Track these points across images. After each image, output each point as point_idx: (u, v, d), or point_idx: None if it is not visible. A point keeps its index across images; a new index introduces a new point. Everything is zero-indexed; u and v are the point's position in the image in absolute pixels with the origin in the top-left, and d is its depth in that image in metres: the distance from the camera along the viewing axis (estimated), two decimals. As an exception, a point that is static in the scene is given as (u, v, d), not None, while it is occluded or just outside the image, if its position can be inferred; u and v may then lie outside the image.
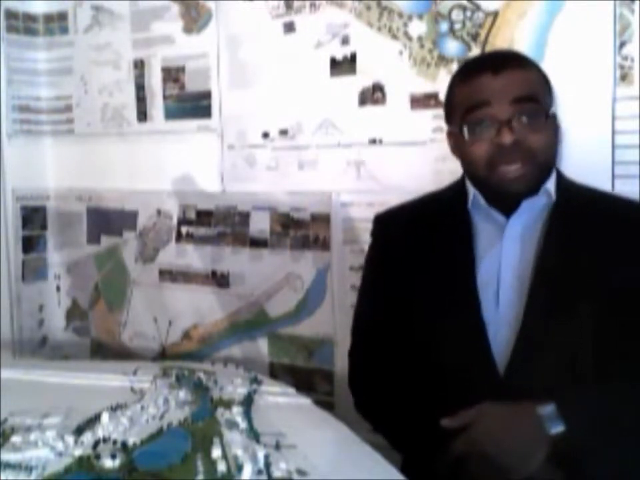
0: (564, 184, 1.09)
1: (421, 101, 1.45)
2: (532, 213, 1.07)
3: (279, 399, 1.25)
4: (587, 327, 0.99)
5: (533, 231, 1.07)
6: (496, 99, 1.01)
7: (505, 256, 1.07)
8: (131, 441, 1.02)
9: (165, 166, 1.81)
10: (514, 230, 1.07)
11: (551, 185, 1.07)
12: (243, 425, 1.09)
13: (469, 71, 1.08)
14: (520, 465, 0.92)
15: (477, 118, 1.03)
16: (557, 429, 0.93)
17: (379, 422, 1.14)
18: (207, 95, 1.72)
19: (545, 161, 1.04)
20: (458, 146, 1.10)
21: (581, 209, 1.06)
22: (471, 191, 1.11)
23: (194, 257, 1.80)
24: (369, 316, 1.21)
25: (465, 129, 1.04)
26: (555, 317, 1.01)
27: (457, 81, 1.10)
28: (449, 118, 1.13)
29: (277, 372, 1.69)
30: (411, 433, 1.06)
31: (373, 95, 1.50)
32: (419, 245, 1.14)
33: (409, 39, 1.45)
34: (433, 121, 1.44)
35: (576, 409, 0.95)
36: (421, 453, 1.04)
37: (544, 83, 1.07)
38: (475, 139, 1.04)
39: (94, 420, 1.10)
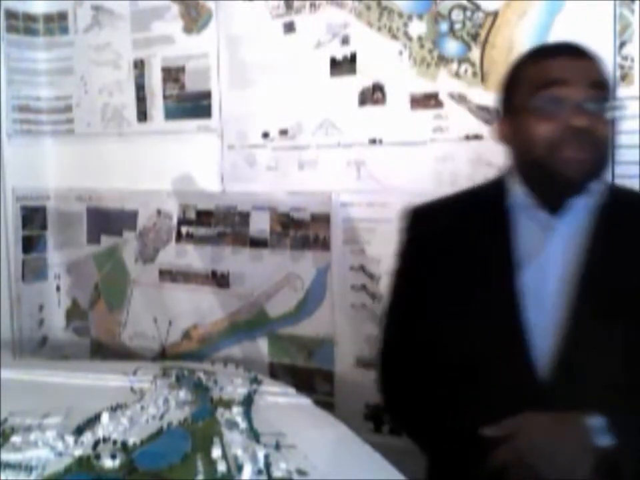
0: (612, 186, 1.05)
1: (420, 101, 1.45)
2: (580, 213, 1.01)
3: (279, 399, 1.25)
4: (635, 335, 0.95)
5: (580, 233, 1.01)
6: (574, 79, 0.95)
7: (550, 258, 1.01)
8: (131, 440, 1.02)
9: (165, 166, 1.81)
10: (562, 231, 1.01)
11: (599, 185, 1.01)
12: (243, 425, 1.09)
13: (543, 53, 1.02)
14: (565, 478, 0.88)
15: (551, 95, 0.95)
16: (606, 441, 0.88)
17: (412, 426, 1.10)
18: (207, 95, 1.72)
19: (606, 154, 0.99)
20: (515, 129, 1.02)
21: (631, 211, 1.02)
22: (515, 188, 1.05)
23: (194, 257, 1.80)
24: (403, 315, 1.13)
25: (536, 108, 0.96)
26: (602, 323, 0.96)
27: (526, 61, 1.03)
28: (507, 100, 1.06)
29: (277, 372, 1.69)
30: (447, 440, 1.01)
31: (373, 95, 1.50)
32: (457, 243, 1.07)
33: (409, 39, 1.45)
34: (433, 120, 1.44)
35: (626, 422, 0.90)
36: (458, 460, 0.99)
37: (609, 80, 1.01)
38: (543, 118, 0.96)
39: (94, 420, 1.10)
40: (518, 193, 1.04)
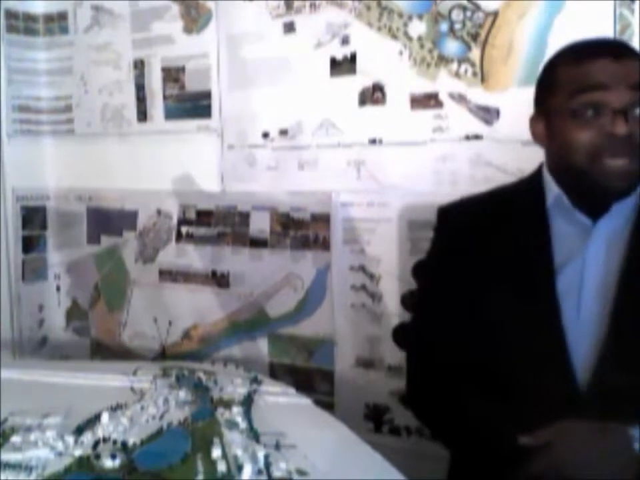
0: None
1: (420, 101, 1.45)
2: (621, 217, 0.97)
3: (279, 399, 1.25)
4: None
5: (620, 237, 0.97)
6: (614, 83, 0.91)
7: (589, 262, 0.97)
8: (131, 441, 1.02)
9: (165, 166, 1.81)
10: (601, 234, 0.97)
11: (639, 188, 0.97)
12: (243, 425, 1.09)
13: (582, 51, 0.96)
14: None
15: (590, 100, 0.92)
16: None
17: (445, 429, 1.07)
18: (206, 95, 1.72)
19: None
20: (552, 132, 0.98)
21: None
22: (552, 188, 1.01)
23: (194, 257, 1.80)
24: (437, 319, 1.08)
25: (574, 110, 0.93)
26: None
27: (565, 60, 0.98)
28: (543, 100, 1.02)
29: (277, 372, 1.69)
30: (482, 447, 0.97)
31: (373, 94, 1.50)
32: (492, 244, 1.03)
33: (409, 39, 1.45)
34: (433, 120, 1.44)
35: None
36: (492, 467, 0.95)
37: None
38: (581, 123, 0.92)
39: (94, 420, 1.10)
40: (555, 193, 1.00)
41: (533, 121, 1.03)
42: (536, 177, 1.05)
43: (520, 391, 0.96)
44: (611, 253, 0.97)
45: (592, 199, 0.97)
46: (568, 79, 0.95)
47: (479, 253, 1.03)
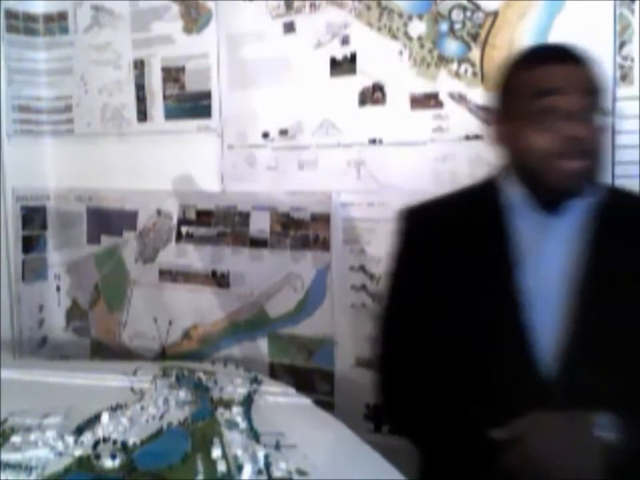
0: (605, 185, 1.05)
1: (420, 101, 1.45)
2: (576, 214, 1.02)
3: (279, 399, 1.25)
4: (637, 332, 0.95)
5: (577, 233, 1.01)
6: (569, 88, 0.95)
7: (549, 258, 1.01)
8: (131, 441, 1.02)
9: (164, 166, 1.81)
10: (559, 231, 1.02)
11: (596, 186, 1.01)
12: (243, 425, 1.09)
13: (536, 58, 1.01)
14: (576, 477, 0.88)
15: (547, 106, 0.95)
16: (614, 438, 0.89)
17: (415, 428, 1.08)
18: (207, 95, 1.72)
19: (602, 160, 1.00)
20: (510, 135, 1.02)
21: (625, 210, 1.03)
22: (511, 188, 1.05)
23: (194, 257, 1.80)
24: (403, 317, 1.11)
25: (530, 117, 0.97)
26: (604, 321, 0.96)
27: (521, 67, 1.02)
28: (501, 106, 1.05)
29: (277, 372, 1.69)
30: (453, 442, 0.99)
31: (373, 94, 1.50)
32: (453, 244, 1.06)
33: (409, 39, 1.45)
34: (433, 120, 1.44)
35: (634, 417, 0.90)
36: (466, 463, 0.97)
37: (602, 85, 1.01)
38: (538, 127, 0.96)
39: (94, 420, 1.10)
40: (514, 193, 1.04)
41: (492, 124, 1.07)
42: (495, 177, 1.09)
43: (489, 388, 0.98)
44: (568, 248, 1.01)
45: (549, 198, 1.01)
46: (523, 85, 1.00)
47: (441, 254, 1.06)
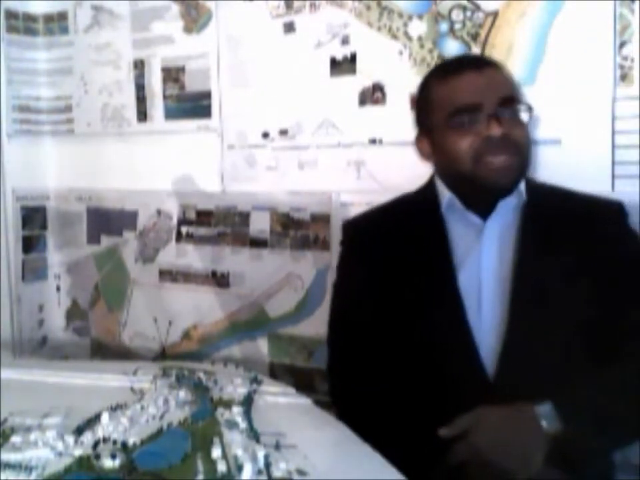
0: (531, 183, 1.10)
1: (421, 101, 1.45)
2: (507, 213, 1.06)
3: (279, 399, 1.25)
4: (571, 323, 1.00)
5: (509, 232, 1.07)
6: (483, 93, 1.01)
7: (485, 259, 1.06)
8: (131, 441, 1.02)
9: (164, 166, 1.81)
10: (492, 232, 1.07)
11: (521, 185, 1.07)
12: (243, 425, 1.09)
13: (448, 70, 1.07)
14: (521, 467, 0.92)
15: (464, 112, 1.02)
16: (555, 426, 0.92)
17: (369, 432, 1.08)
18: (206, 95, 1.72)
19: (528, 156, 1.05)
20: (435, 146, 1.09)
21: (551, 207, 1.07)
22: (444, 194, 1.10)
23: (194, 257, 1.80)
24: (349, 328, 1.16)
25: (451, 125, 1.03)
26: (539, 316, 1.01)
27: (435, 81, 1.09)
28: (422, 119, 1.12)
29: (277, 372, 1.69)
30: (404, 444, 1.02)
31: (373, 94, 1.50)
32: (394, 252, 1.11)
33: (409, 39, 1.45)
34: (433, 121, 1.44)
35: (573, 405, 0.94)
36: (417, 463, 0.99)
37: (517, 83, 1.09)
38: (460, 132, 1.02)
39: (94, 420, 1.10)
40: (447, 198, 1.09)
41: (417, 140, 1.13)
42: (429, 184, 1.14)
43: (436, 385, 1.03)
44: (503, 248, 1.06)
45: (480, 198, 1.06)
46: (441, 97, 1.05)
47: (383, 261, 1.11)
